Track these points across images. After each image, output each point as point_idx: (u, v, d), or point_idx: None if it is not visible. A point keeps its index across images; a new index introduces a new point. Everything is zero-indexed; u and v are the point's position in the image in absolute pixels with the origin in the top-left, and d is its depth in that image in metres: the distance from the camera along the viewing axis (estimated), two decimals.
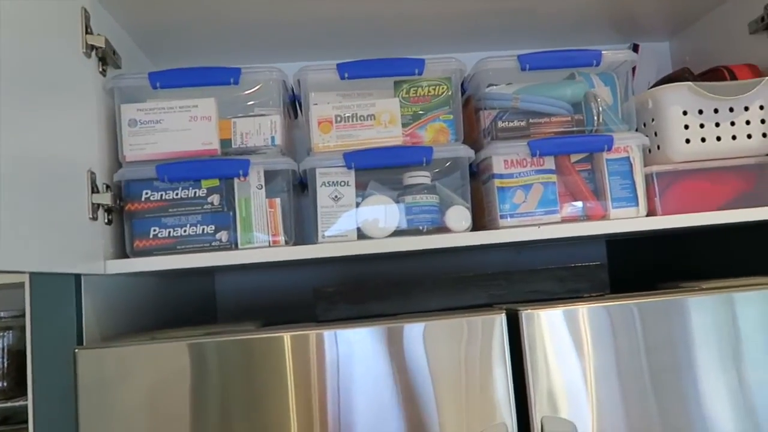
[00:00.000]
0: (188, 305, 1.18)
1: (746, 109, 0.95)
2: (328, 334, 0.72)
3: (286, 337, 0.72)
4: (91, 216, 0.79)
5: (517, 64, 0.93)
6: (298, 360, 0.72)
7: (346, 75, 0.91)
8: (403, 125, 0.92)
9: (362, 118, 0.90)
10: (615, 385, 0.73)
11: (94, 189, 0.81)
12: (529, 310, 0.73)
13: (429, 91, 0.94)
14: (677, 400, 0.74)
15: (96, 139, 0.84)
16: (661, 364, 0.74)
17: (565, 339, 0.73)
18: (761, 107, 0.95)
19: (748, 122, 0.95)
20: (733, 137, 0.94)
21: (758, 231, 1.03)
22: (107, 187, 0.85)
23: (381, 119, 0.91)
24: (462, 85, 0.97)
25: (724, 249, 1.12)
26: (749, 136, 0.95)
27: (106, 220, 0.84)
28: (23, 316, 0.88)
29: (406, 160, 0.89)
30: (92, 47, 0.84)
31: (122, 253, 0.88)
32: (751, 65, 1.01)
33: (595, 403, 0.73)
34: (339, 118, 0.91)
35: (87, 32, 0.83)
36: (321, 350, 0.72)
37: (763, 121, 0.95)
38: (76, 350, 0.72)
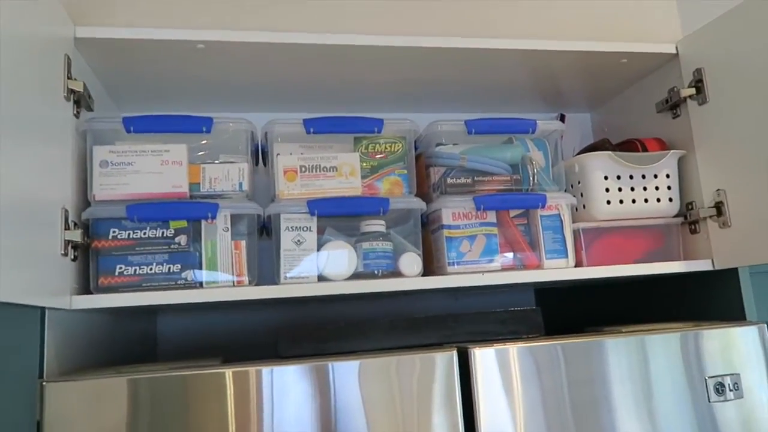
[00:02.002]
0: (133, 342, 1.19)
1: (655, 176, 1.10)
2: (266, 371, 0.77)
3: (228, 373, 0.76)
4: (62, 252, 0.82)
5: (464, 127, 1.04)
6: (240, 396, 0.76)
7: (312, 130, 0.99)
8: (362, 177, 1.00)
9: (325, 169, 0.98)
10: (541, 416, 0.82)
11: (67, 226, 0.83)
12: (476, 349, 0.82)
13: (386, 148, 1.03)
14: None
15: (70, 178, 0.87)
16: (582, 399, 0.84)
17: (502, 376, 0.82)
18: (667, 176, 1.11)
19: (657, 188, 1.10)
20: (645, 200, 1.09)
21: (670, 282, 1.19)
22: (75, 224, 0.88)
23: (343, 171, 0.99)
24: (415, 142, 1.07)
25: (645, 297, 1.27)
26: (658, 200, 1.10)
27: (72, 257, 0.86)
28: None
29: (365, 209, 0.97)
30: (71, 91, 0.88)
31: (85, 289, 0.90)
32: (659, 139, 1.18)
33: None
34: (303, 168, 0.98)
35: (68, 77, 0.87)
36: (259, 387, 0.76)
37: (669, 188, 1.11)
38: (44, 383, 0.73)
